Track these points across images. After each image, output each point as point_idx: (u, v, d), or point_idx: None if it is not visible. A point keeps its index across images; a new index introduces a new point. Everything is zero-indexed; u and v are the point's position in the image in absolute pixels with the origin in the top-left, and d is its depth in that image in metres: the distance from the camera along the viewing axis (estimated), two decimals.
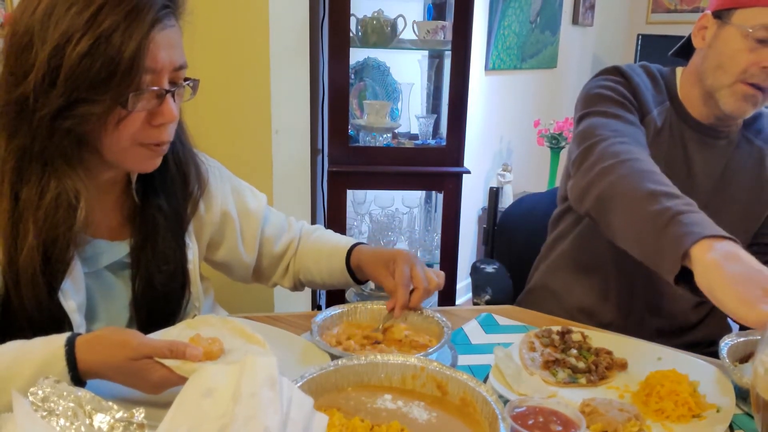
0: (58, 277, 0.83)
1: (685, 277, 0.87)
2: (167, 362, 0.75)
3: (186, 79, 0.87)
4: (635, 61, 4.10)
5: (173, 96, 0.84)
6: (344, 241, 1.16)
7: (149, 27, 0.77)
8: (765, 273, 0.78)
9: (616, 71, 1.25)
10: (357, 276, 1.12)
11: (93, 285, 0.91)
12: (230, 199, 1.09)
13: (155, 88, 0.81)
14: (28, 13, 0.78)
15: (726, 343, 0.92)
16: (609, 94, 1.20)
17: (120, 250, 0.94)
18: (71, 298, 0.85)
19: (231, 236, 1.10)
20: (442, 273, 1.04)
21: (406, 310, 0.98)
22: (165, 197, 0.95)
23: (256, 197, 1.15)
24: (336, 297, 2.07)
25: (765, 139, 1.28)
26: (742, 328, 1.26)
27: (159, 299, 0.92)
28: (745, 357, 0.93)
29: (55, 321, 0.84)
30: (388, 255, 1.04)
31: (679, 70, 1.31)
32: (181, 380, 0.75)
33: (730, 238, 0.85)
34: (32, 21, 0.78)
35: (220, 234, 1.09)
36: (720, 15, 1.18)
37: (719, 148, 1.26)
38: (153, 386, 0.76)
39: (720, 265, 0.80)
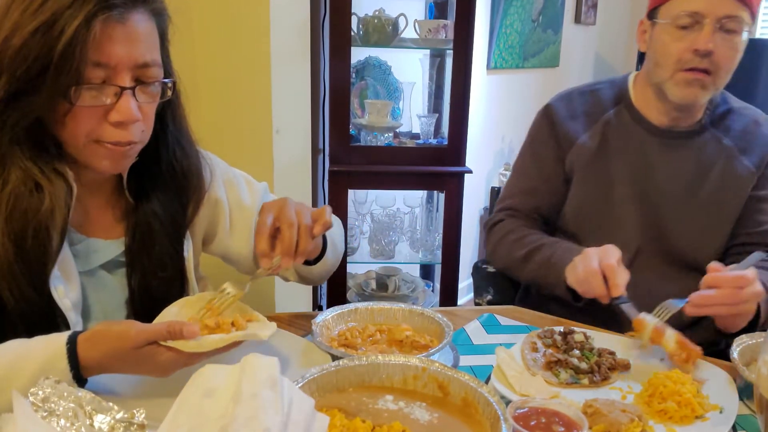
0: (36, 268, 0.81)
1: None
2: (173, 343, 0.75)
3: (166, 77, 0.85)
4: (637, 60, 4.10)
5: (134, 94, 0.80)
6: None
7: (89, 17, 0.75)
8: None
9: (543, 112, 1.38)
10: None
11: (88, 283, 0.90)
12: (222, 191, 1.06)
13: (113, 84, 0.79)
14: None
15: (738, 345, 0.92)
16: (527, 150, 1.41)
17: (114, 248, 0.93)
18: (66, 296, 0.85)
19: (222, 228, 1.07)
20: (321, 210, 0.91)
21: (286, 262, 0.86)
22: (159, 202, 0.93)
23: (252, 188, 1.11)
24: (337, 297, 2.07)
25: (734, 138, 1.28)
26: (744, 330, 1.26)
27: (156, 301, 0.91)
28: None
29: (50, 319, 0.83)
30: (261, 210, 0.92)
31: (633, 74, 1.34)
32: (190, 358, 0.76)
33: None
34: None
35: (213, 227, 1.07)
36: (651, 16, 1.23)
37: (684, 149, 1.27)
38: (162, 369, 0.77)
39: (574, 266, 1.12)
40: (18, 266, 0.80)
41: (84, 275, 0.89)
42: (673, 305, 1.00)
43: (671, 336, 0.93)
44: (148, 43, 0.82)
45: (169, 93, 0.87)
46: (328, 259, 1.08)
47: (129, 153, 0.86)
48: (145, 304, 0.92)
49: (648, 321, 0.95)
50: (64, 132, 0.81)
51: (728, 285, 0.97)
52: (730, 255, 1.28)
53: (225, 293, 0.86)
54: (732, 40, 1.17)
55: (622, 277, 1.03)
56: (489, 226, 1.39)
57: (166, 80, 0.86)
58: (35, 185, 0.80)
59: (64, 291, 0.85)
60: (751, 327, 1.07)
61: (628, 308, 1.01)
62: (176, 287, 0.96)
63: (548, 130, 1.34)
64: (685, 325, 1.27)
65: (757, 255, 1.09)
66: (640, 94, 1.30)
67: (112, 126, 0.81)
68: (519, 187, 1.38)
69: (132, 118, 0.81)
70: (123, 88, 0.79)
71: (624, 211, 1.28)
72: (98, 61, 0.77)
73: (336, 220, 1.11)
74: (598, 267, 1.04)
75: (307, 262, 1.05)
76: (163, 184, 0.94)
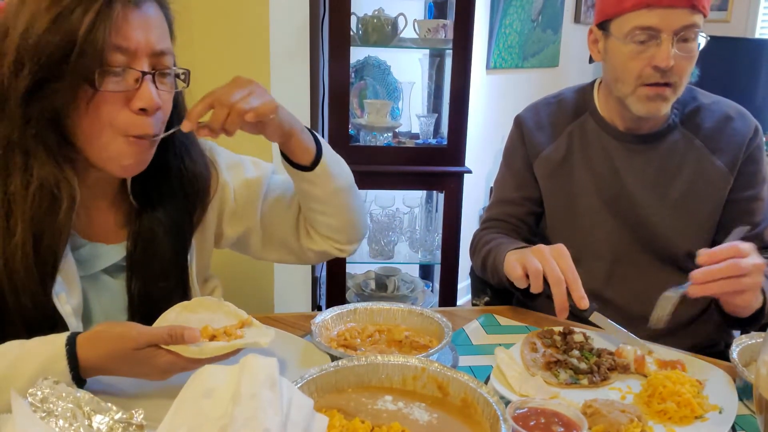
0: (48, 272, 0.81)
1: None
2: (174, 347, 0.76)
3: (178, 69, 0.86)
4: None
5: (154, 80, 0.82)
6: None
7: (109, 0, 0.76)
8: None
9: (514, 122, 1.39)
10: (292, 159, 1.00)
11: (89, 288, 0.90)
12: (227, 176, 1.04)
13: (134, 69, 0.79)
14: (8, 3, 0.79)
15: (737, 345, 0.92)
16: (503, 161, 1.42)
17: (116, 253, 0.92)
18: (67, 302, 0.84)
19: (228, 214, 1.05)
20: (274, 103, 0.90)
21: (210, 130, 0.86)
22: (165, 210, 0.93)
23: (258, 166, 1.10)
24: (336, 297, 2.07)
25: (704, 137, 1.25)
26: (744, 331, 1.26)
27: (156, 307, 0.91)
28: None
29: (51, 322, 0.83)
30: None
31: (597, 82, 1.33)
32: (189, 363, 0.76)
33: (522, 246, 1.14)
34: (9, 9, 0.79)
35: (221, 221, 1.05)
36: (603, 27, 1.21)
37: (650, 151, 1.26)
38: (161, 372, 0.77)
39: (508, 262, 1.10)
40: (34, 268, 0.80)
41: (85, 279, 0.89)
42: (673, 293, 0.97)
43: (652, 362, 0.93)
44: (161, 31, 0.84)
45: (183, 84, 0.88)
46: (332, 169, 1.01)
47: (151, 147, 0.86)
48: (145, 311, 0.92)
49: (628, 350, 0.94)
50: (89, 125, 0.80)
51: (724, 256, 0.93)
52: None
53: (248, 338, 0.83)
54: (690, 49, 1.14)
55: (580, 284, 0.99)
56: (472, 242, 1.40)
57: (182, 69, 0.87)
58: (56, 185, 0.81)
59: (66, 297, 0.84)
60: (760, 315, 1.04)
61: (599, 319, 0.99)
62: (177, 295, 0.95)
63: (518, 141, 1.36)
64: (680, 325, 1.28)
65: (739, 230, 1.07)
66: (604, 102, 1.29)
67: (134, 114, 0.81)
68: (496, 198, 1.41)
69: (154, 104, 0.81)
70: (144, 73, 0.80)
71: (592, 222, 1.27)
72: (119, 45, 0.78)
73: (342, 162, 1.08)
74: (561, 275, 0.99)
75: (302, 168, 1.00)
76: (170, 191, 0.94)
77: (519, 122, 1.38)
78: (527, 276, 1.03)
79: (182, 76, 0.87)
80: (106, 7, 0.76)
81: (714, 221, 1.26)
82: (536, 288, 1.02)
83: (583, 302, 0.98)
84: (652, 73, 1.14)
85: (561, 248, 1.03)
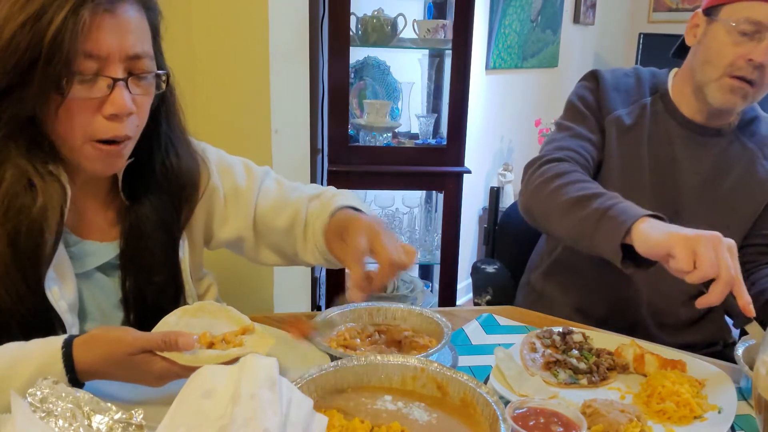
0: (30, 269, 0.80)
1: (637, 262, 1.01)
2: (169, 354, 0.75)
3: (159, 70, 0.85)
4: (636, 60, 4.10)
5: (127, 86, 0.80)
6: (333, 208, 0.98)
7: (77, 6, 0.75)
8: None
9: (590, 75, 1.35)
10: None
11: (84, 285, 0.90)
12: (218, 180, 1.03)
13: (106, 76, 0.78)
14: None
15: (742, 345, 0.92)
16: (574, 105, 1.32)
17: (109, 251, 0.92)
18: (62, 298, 0.84)
19: (218, 218, 1.04)
20: (412, 248, 0.88)
21: (369, 292, 0.83)
22: (151, 205, 0.92)
23: (251, 173, 1.07)
24: (336, 297, 2.07)
25: (758, 142, 1.28)
26: (743, 332, 1.26)
27: (150, 305, 0.91)
28: None
29: (46, 321, 0.83)
30: (343, 222, 0.89)
31: (674, 69, 1.33)
32: (184, 370, 0.76)
33: (656, 215, 1.00)
34: None
35: (210, 222, 1.05)
36: (709, 12, 1.21)
37: (709, 146, 1.27)
38: (155, 378, 0.76)
39: (655, 229, 0.97)
40: (14, 266, 0.79)
41: (80, 277, 0.89)
42: None
43: (651, 361, 0.92)
44: (138, 34, 0.81)
45: (164, 86, 0.86)
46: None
47: (122, 152, 0.85)
48: (139, 308, 0.92)
49: (628, 349, 0.95)
50: (60, 129, 0.80)
51: None
52: (744, 254, 1.26)
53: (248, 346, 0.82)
54: None
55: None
56: (537, 165, 1.24)
57: (160, 72, 0.85)
58: (29, 183, 0.80)
59: (59, 293, 0.84)
60: None
61: (756, 330, 0.90)
62: (171, 291, 0.95)
63: (594, 92, 1.31)
64: (680, 325, 1.28)
65: None
66: (678, 89, 1.30)
67: (106, 120, 0.80)
68: (571, 132, 1.29)
69: (126, 110, 0.80)
70: (116, 80, 0.79)
71: (637, 200, 1.26)
72: (89, 51, 0.77)
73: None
74: (733, 276, 0.87)
75: None
76: (156, 187, 0.93)
77: (597, 76, 1.33)
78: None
79: (162, 77, 0.86)
80: (73, 14, 0.74)
81: (749, 224, 1.27)
82: (696, 281, 0.89)
83: (750, 308, 0.88)
84: (744, 66, 1.15)
85: (734, 246, 0.92)
